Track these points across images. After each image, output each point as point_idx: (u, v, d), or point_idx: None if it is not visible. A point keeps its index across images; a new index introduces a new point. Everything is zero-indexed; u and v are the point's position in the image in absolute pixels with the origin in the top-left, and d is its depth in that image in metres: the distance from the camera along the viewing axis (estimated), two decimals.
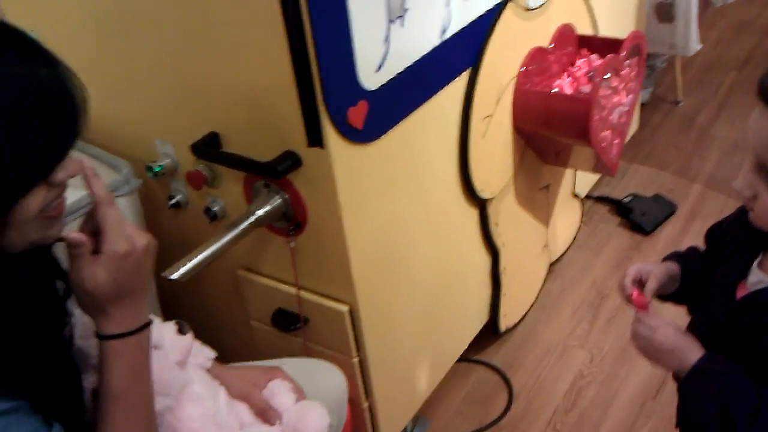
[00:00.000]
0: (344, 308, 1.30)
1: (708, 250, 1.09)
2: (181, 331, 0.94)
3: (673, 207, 2.31)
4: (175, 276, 1.08)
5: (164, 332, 0.92)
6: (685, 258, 1.08)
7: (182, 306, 1.53)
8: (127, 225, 0.78)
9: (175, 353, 0.91)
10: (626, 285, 1.02)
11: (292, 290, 1.33)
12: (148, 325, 0.80)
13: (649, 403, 1.73)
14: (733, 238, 0.98)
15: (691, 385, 0.92)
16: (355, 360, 1.36)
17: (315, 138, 1.09)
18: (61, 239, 0.77)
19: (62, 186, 0.72)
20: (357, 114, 1.12)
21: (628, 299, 1.01)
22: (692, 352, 0.93)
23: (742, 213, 1.00)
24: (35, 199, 0.69)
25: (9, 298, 0.70)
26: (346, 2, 1.04)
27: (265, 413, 1.02)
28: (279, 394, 1.04)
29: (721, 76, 2.99)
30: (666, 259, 1.10)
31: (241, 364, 1.16)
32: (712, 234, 1.10)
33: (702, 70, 3.05)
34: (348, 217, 1.19)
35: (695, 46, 2.54)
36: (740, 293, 0.92)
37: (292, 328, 1.37)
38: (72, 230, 0.78)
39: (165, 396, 0.88)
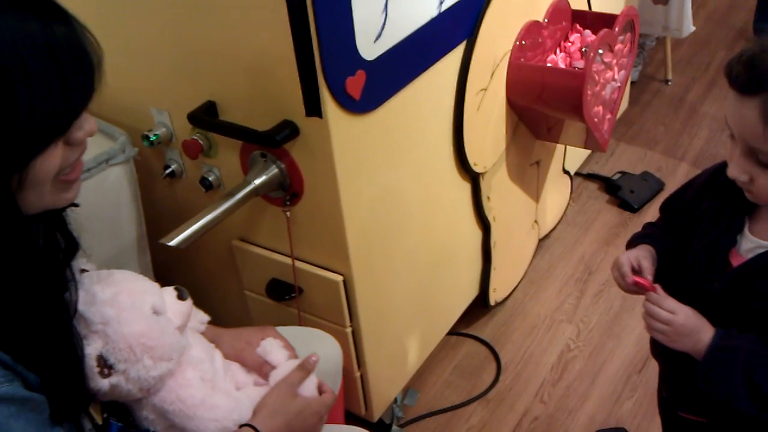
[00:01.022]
0: (338, 278, 1.31)
1: (667, 222, 1.09)
2: (181, 296, 0.95)
3: (661, 185, 2.33)
4: (172, 243, 1.08)
5: (165, 298, 0.93)
6: (654, 237, 1.08)
7: (176, 275, 1.53)
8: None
9: (175, 318, 0.92)
10: (627, 275, 1.00)
11: (287, 260, 1.33)
12: None
13: (634, 376, 1.76)
14: (710, 208, 0.98)
15: (713, 363, 0.91)
16: (348, 330, 1.38)
17: (313, 107, 1.09)
18: (75, 204, 0.77)
19: (80, 146, 0.72)
20: (355, 84, 1.12)
21: (636, 287, 0.99)
22: (705, 331, 0.92)
23: (708, 182, 1.00)
24: (53, 158, 0.69)
25: (19, 258, 0.70)
26: None
27: (261, 368, 1.03)
28: (272, 351, 1.05)
29: (711, 55, 3.00)
30: (633, 241, 1.09)
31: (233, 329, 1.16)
32: (669, 206, 1.09)
33: (692, 49, 3.06)
34: (344, 187, 1.19)
35: (689, 28, 2.55)
36: (735, 261, 0.93)
37: (286, 298, 1.38)
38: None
39: (167, 360, 0.88)
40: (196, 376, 0.93)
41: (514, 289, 1.99)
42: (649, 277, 1.00)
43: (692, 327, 0.93)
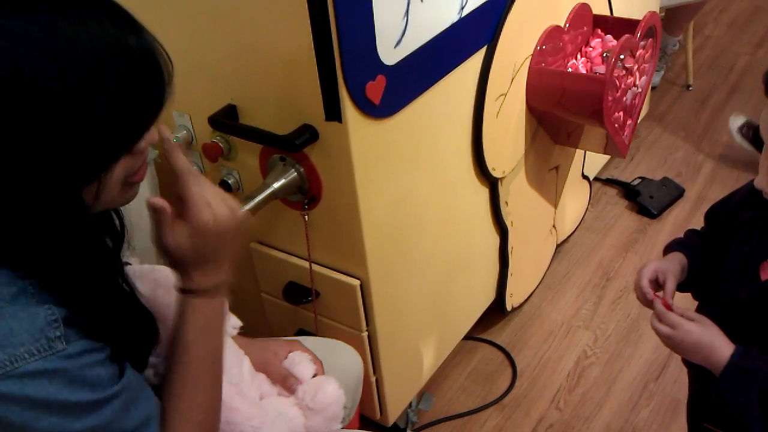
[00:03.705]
0: (355, 282, 1.31)
1: (710, 229, 1.09)
2: None
3: (680, 191, 2.31)
4: None
5: None
6: (689, 246, 1.07)
7: None
8: (215, 196, 0.82)
9: None
10: (645, 289, 1.00)
11: (305, 264, 1.34)
12: (223, 288, 0.84)
13: (651, 384, 1.75)
14: (748, 219, 0.98)
15: (730, 382, 0.90)
16: (365, 334, 1.38)
17: (333, 112, 1.09)
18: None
19: (142, 154, 0.74)
20: (375, 89, 1.12)
21: (650, 304, 0.99)
22: (720, 347, 0.91)
23: (750, 193, 1.00)
24: (119, 169, 0.70)
25: (89, 254, 0.72)
26: None
27: (286, 380, 1.04)
28: (299, 364, 1.05)
29: (733, 60, 2.98)
30: (669, 249, 1.08)
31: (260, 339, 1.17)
32: (714, 214, 1.09)
33: (714, 54, 3.03)
34: (363, 191, 1.20)
35: None
36: (765, 274, 0.92)
37: (303, 302, 1.38)
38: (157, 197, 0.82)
39: None
40: (225, 381, 0.93)
41: (531, 295, 1.98)
42: (670, 298, 0.99)
43: (694, 343, 0.92)
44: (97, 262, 0.74)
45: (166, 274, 0.92)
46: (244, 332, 1.10)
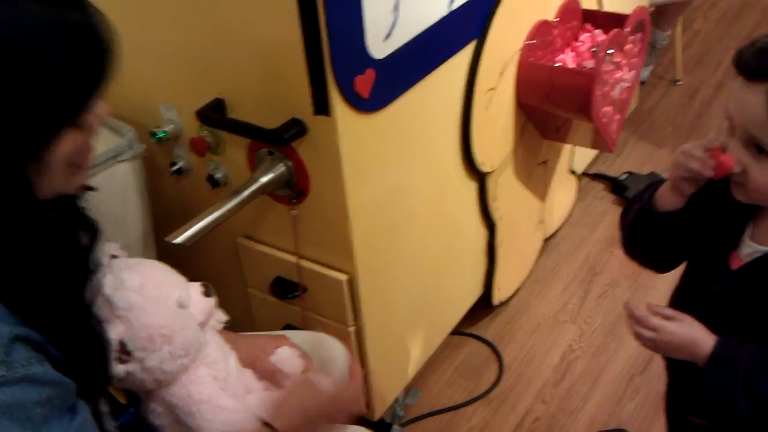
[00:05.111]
0: (343, 277, 1.30)
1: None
2: (207, 293, 0.95)
3: None
4: (178, 240, 1.08)
5: (191, 292, 0.93)
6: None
7: (181, 271, 1.52)
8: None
9: (198, 314, 0.92)
10: (705, 156, 0.88)
11: (292, 258, 1.33)
12: None
13: (637, 378, 1.76)
14: (719, 208, 0.95)
15: (714, 374, 0.89)
16: (352, 329, 1.38)
17: (322, 106, 1.09)
18: (90, 188, 0.77)
19: (91, 130, 0.72)
20: (364, 82, 1.12)
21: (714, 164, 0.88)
22: (702, 340, 0.90)
23: (723, 180, 0.99)
24: (66, 144, 0.68)
25: (39, 243, 0.70)
26: None
27: (274, 376, 1.03)
28: (287, 360, 1.05)
29: (721, 56, 2.99)
30: (644, 193, 1.00)
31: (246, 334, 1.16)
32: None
33: (702, 50, 3.04)
34: (351, 186, 1.19)
35: None
36: (734, 264, 0.92)
37: (290, 297, 1.38)
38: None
39: (184, 355, 0.89)
40: (209, 375, 0.93)
41: (518, 289, 1.98)
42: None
43: (678, 343, 0.92)
44: (49, 255, 0.71)
45: (154, 267, 0.92)
46: (230, 328, 1.09)
